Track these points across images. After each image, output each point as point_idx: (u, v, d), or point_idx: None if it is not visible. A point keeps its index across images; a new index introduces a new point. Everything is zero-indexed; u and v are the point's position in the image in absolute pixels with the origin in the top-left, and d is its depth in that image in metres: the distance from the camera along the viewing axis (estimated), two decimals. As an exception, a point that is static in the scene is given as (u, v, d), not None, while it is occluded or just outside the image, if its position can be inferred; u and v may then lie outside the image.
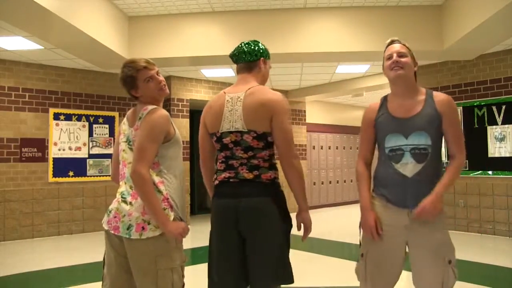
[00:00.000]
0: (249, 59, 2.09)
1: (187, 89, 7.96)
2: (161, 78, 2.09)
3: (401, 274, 2.06)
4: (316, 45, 5.51)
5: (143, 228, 1.88)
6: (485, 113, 6.39)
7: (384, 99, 2.16)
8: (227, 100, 2.04)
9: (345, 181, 11.44)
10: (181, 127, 7.72)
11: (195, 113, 9.46)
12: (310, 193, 10.29)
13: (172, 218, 1.92)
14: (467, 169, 6.43)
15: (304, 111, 10.15)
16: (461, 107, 6.65)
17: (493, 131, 6.30)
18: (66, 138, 6.96)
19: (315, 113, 10.70)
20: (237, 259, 1.96)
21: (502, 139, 6.20)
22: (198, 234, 6.82)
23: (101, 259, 2.12)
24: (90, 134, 7.19)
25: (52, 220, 6.75)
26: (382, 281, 2.02)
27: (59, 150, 6.87)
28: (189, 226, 2.03)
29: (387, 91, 2.27)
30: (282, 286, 2.00)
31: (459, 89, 6.72)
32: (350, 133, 11.49)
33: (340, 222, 8.75)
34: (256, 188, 1.95)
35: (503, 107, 6.21)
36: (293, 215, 2.06)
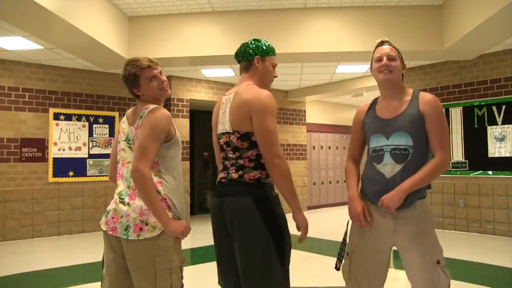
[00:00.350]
0: (243, 59, 2.10)
1: (187, 89, 7.96)
2: (164, 78, 2.10)
3: (387, 274, 2.06)
4: (316, 45, 5.51)
5: (140, 229, 1.88)
6: (485, 113, 6.39)
7: (374, 101, 2.19)
8: (222, 102, 2.08)
9: (345, 181, 11.40)
10: (181, 127, 7.72)
11: (195, 113, 9.48)
12: (310, 193, 10.30)
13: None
14: (467, 169, 6.44)
15: (304, 111, 10.15)
16: (461, 107, 6.65)
17: (493, 131, 6.30)
18: (66, 138, 6.96)
19: (315, 113, 10.70)
20: (231, 259, 1.97)
21: (502, 139, 6.20)
22: (198, 234, 6.82)
23: (101, 259, 2.12)
24: (90, 134, 7.19)
25: (52, 220, 6.75)
26: (366, 281, 2.02)
27: (59, 150, 6.87)
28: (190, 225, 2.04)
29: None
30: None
31: (459, 89, 6.72)
32: (350, 133, 11.45)
33: (340, 222, 8.68)
34: (238, 188, 1.95)
35: (503, 107, 6.21)
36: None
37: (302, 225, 1.97)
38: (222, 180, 2.03)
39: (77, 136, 7.05)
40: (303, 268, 4.50)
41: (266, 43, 2.12)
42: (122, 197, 1.96)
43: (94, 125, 7.24)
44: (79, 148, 7.06)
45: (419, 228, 1.94)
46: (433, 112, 1.97)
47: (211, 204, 2.10)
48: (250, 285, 1.88)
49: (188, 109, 7.97)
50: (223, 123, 2.02)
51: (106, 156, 7.23)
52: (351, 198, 2.12)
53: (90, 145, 7.18)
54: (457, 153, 6.54)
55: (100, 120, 7.29)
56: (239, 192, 1.94)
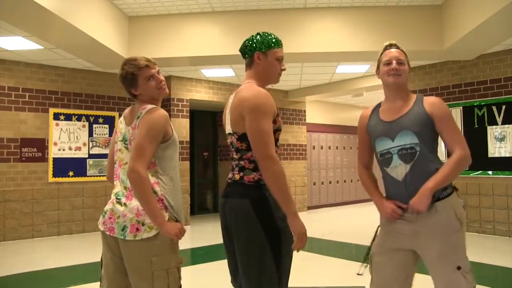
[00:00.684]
0: (245, 56, 2.06)
1: (187, 89, 7.96)
2: (162, 77, 2.09)
3: (410, 281, 2.05)
4: (316, 45, 5.51)
5: (137, 229, 1.88)
6: (485, 113, 6.39)
7: (377, 105, 2.20)
8: (229, 102, 2.06)
9: (345, 181, 11.44)
10: (181, 127, 7.72)
11: (195, 113, 9.48)
12: (310, 193, 10.30)
13: (166, 218, 1.92)
14: (467, 169, 6.44)
15: (304, 111, 10.15)
16: (461, 107, 6.65)
17: (493, 131, 6.30)
18: (66, 138, 6.96)
19: (315, 113, 10.70)
20: (235, 259, 1.96)
21: (502, 139, 6.20)
22: (198, 234, 6.82)
23: (100, 259, 2.12)
24: (90, 134, 7.19)
25: (52, 220, 6.75)
26: (386, 284, 2.03)
27: (59, 150, 6.87)
28: (189, 226, 2.04)
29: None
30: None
31: (459, 89, 6.72)
32: (350, 133, 11.49)
33: (340, 222, 8.75)
34: (238, 189, 1.94)
35: (503, 107, 6.21)
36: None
37: (296, 232, 1.83)
38: (228, 181, 2.03)
39: (77, 136, 7.05)
40: (303, 268, 4.50)
41: (269, 37, 2.02)
42: (119, 197, 1.96)
43: (94, 125, 7.25)
44: (79, 148, 7.06)
45: (437, 233, 1.92)
46: (441, 112, 1.99)
47: (218, 204, 2.11)
48: (246, 287, 1.89)
49: (188, 109, 7.97)
50: (227, 123, 2.01)
51: (106, 156, 7.16)
52: (378, 203, 2.08)
53: (90, 145, 7.18)
54: (457, 153, 6.52)
55: (100, 120, 7.30)
56: (239, 194, 1.93)
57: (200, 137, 10.01)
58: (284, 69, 2.08)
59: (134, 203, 1.90)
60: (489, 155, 6.29)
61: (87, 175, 7.11)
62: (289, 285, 1.96)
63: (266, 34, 2.03)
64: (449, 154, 2.00)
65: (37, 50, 5.86)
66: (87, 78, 7.19)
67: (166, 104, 7.71)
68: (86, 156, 7.13)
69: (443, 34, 5.33)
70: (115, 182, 2.06)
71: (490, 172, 6.30)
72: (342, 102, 11.31)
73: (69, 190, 6.94)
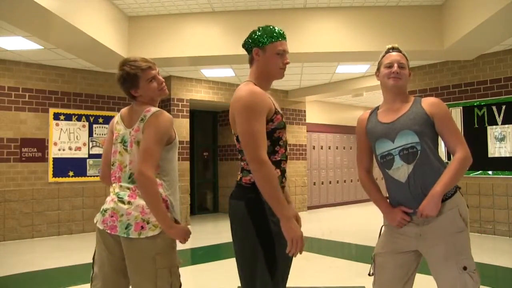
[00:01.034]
0: (248, 53, 2.00)
1: (187, 89, 7.96)
2: (162, 78, 2.11)
3: (410, 280, 2.05)
4: (316, 45, 5.51)
5: (142, 227, 1.88)
6: (485, 113, 6.39)
7: (375, 108, 2.20)
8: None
9: (345, 181, 11.44)
10: (181, 127, 7.72)
11: (195, 113, 9.48)
12: (310, 193, 10.30)
13: None
14: (467, 169, 6.43)
15: (304, 111, 10.15)
16: (461, 107, 6.65)
17: (493, 131, 6.30)
18: (66, 138, 6.96)
19: (315, 113, 10.70)
20: None
21: (502, 139, 6.20)
22: (198, 234, 6.83)
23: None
24: (90, 134, 7.19)
25: (52, 220, 6.75)
26: (387, 281, 2.02)
27: (59, 150, 6.87)
28: (189, 226, 2.05)
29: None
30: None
31: (459, 89, 6.72)
32: (350, 133, 11.49)
33: (340, 222, 8.75)
34: (237, 190, 1.92)
35: (503, 107, 6.21)
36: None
37: (288, 236, 1.73)
38: (237, 182, 2.00)
39: (77, 136, 7.05)
40: (303, 268, 4.50)
41: (268, 30, 1.93)
42: (121, 196, 1.96)
43: (94, 125, 7.25)
44: (79, 148, 7.06)
45: (442, 233, 1.91)
46: (441, 112, 1.99)
47: None
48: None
49: (188, 109, 7.97)
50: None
51: (106, 156, 7.22)
52: (385, 211, 2.07)
53: (90, 145, 7.18)
54: (457, 153, 6.53)
55: (100, 120, 7.30)
56: (236, 196, 1.91)
57: (200, 137, 10.01)
58: (287, 63, 1.97)
59: (139, 201, 1.91)
60: (489, 155, 6.29)
61: (87, 175, 7.11)
62: (289, 285, 1.96)
63: (265, 28, 1.95)
64: (449, 155, 1.99)
65: (37, 50, 5.86)
66: (87, 78, 7.19)
67: (166, 104, 7.71)
68: (86, 156, 7.13)
69: (443, 34, 5.33)
70: (113, 184, 2.05)
71: (490, 172, 6.30)
72: (342, 102, 11.31)
73: (69, 190, 6.94)
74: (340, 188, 11.26)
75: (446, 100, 6.74)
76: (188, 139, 7.98)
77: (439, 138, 2.05)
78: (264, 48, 1.92)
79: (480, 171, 6.37)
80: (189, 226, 2.08)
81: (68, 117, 6.98)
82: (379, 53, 2.18)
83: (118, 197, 1.96)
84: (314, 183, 10.60)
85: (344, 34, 5.49)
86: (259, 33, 1.94)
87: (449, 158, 2.03)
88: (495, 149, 6.26)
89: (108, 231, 1.94)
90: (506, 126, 6.18)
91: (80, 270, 4.70)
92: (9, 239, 6.33)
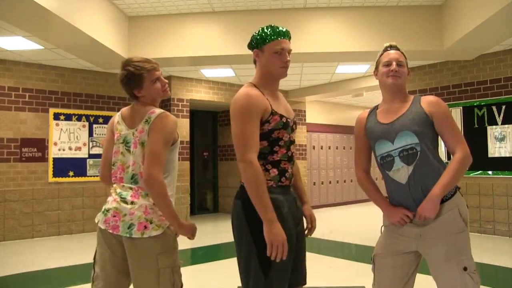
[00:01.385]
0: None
1: (187, 89, 7.96)
2: (165, 80, 2.11)
3: (410, 281, 2.04)
4: (316, 45, 5.50)
5: (145, 227, 1.89)
6: (485, 113, 6.39)
7: (374, 107, 2.17)
8: None
9: (345, 181, 11.44)
10: (181, 127, 7.72)
11: (195, 113, 9.49)
12: (310, 193, 10.29)
13: None
14: (467, 169, 6.43)
15: (304, 111, 10.15)
16: (461, 107, 6.65)
17: (493, 131, 6.30)
18: (66, 138, 6.96)
19: (315, 113, 10.70)
20: None
21: (502, 139, 6.20)
22: (198, 234, 6.81)
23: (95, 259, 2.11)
24: (90, 134, 7.19)
25: (52, 220, 6.75)
26: (387, 282, 2.02)
27: (59, 150, 6.87)
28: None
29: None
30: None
31: (459, 89, 6.72)
32: (350, 133, 11.48)
33: (340, 222, 8.74)
34: (238, 190, 1.94)
35: (503, 107, 6.21)
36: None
37: (267, 240, 1.72)
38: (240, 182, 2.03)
39: (77, 136, 7.06)
40: (303, 268, 4.50)
41: (264, 31, 1.94)
42: (123, 196, 1.96)
43: (94, 125, 7.25)
44: (79, 148, 7.06)
45: (443, 234, 1.90)
46: (440, 111, 1.97)
47: None
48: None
49: (188, 109, 7.98)
50: None
51: (106, 156, 7.22)
52: (385, 210, 2.06)
53: (90, 145, 7.18)
54: (457, 153, 6.53)
55: (100, 120, 7.30)
56: (237, 195, 1.93)
57: (200, 137, 10.01)
58: (287, 61, 1.97)
59: (142, 201, 1.92)
60: (489, 155, 6.29)
61: (87, 175, 7.11)
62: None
63: (263, 29, 1.95)
64: (449, 154, 1.98)
65: (37, 50, 5.86)
66: (87, 78, 7.19)
67: (166, 104, 7.71)
68: (86, 156, 7.13)
69: (443, 34, 5.33)
70: (114, 184, 2.04)
71: (490, 172, 6.30)
72: (342, 102, 11.31)
73: (69, 190, 6.94)
74: (340, 188, 11.26)
75: (446, 100, 6.73)
76: (188, 139, 7.98)
77: (439, 138, 2.04)
78: (262, 48, 1.94)
79: (480, 171, 6.37)
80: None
81: (68, 117, 6.98)
82: (378, 54, 2.17)
83: (121, 197, 1.96)
84: (314, 183, 10.60)
85: (344, 34, 5.49)
86: (257, 35, 1.95)
87: (449, 158, 2.01)
88: (495, 149, 6.26)
89: (110, 231, 1.94)
90: (506, 126, 6.17)
91: (80, 270, 4.70)
92: (9, 239, 6.33)
